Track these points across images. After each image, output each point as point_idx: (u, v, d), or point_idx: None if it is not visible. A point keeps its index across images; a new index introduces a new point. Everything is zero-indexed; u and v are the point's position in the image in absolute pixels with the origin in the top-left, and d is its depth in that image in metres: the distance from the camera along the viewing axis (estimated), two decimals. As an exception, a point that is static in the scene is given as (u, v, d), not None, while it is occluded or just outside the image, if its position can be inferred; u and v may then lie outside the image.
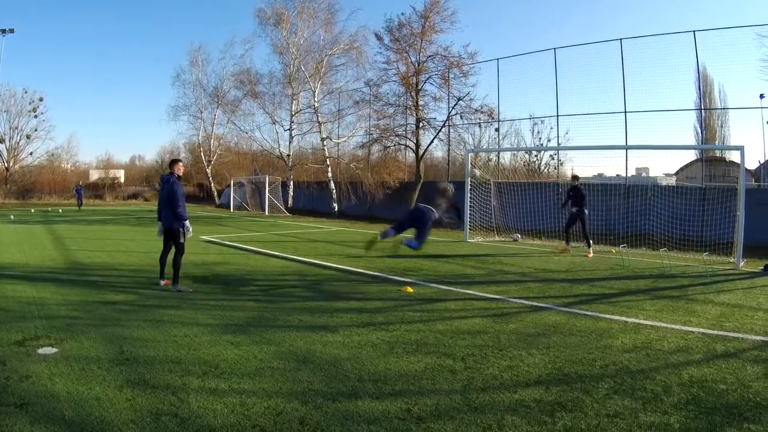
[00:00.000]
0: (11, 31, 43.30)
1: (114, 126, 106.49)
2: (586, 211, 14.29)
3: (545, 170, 25.96)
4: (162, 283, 8.39)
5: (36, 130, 51.09)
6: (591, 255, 13.65)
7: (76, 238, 16.30)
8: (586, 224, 14.32)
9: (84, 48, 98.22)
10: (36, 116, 50.78)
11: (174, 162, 8.76)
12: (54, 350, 4.98)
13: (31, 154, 51.92)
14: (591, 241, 14.16)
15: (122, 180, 62.26)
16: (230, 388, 4.18)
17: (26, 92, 50.11)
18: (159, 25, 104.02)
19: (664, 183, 23.16)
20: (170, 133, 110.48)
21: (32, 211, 32.24)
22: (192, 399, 3.92)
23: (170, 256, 8.43)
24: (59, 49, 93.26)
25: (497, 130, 27.08)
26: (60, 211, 32.64)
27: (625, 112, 21.09)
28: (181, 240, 8.35)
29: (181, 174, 8.61)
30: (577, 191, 14.31)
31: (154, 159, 70.03)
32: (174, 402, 3.86)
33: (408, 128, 27.77)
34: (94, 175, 59.64)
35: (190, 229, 8.45)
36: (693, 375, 4.63)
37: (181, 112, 45.55)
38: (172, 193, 8.20)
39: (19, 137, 50.33)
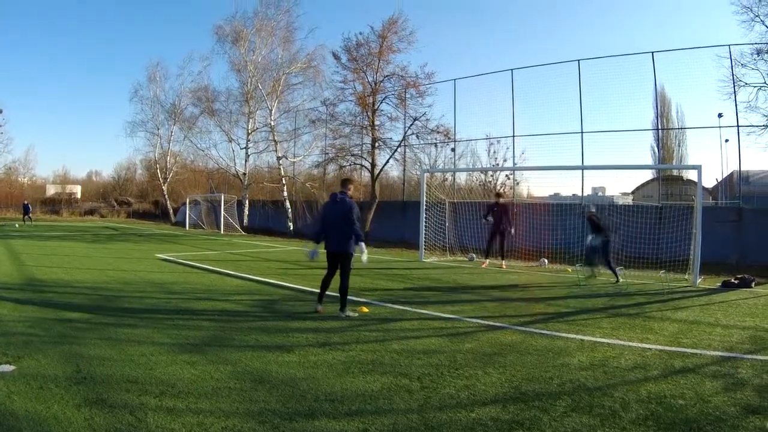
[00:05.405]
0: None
1: (71, 141, 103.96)
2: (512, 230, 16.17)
3: (501, 190, 26.13)
4: (318, 309, 8.05)
5: (-6, 143, 49.35)
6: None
7: (32, 253, 16.17)
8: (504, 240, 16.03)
9: (42, 59, 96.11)
10: (-6, 129, 49.03)
11: (348, 181, 8.34)
12: (11, 368, 4.89)
13: (-12, 167, 50.15)
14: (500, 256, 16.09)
15: (79, 196, 61.03)
16: (187, 407, 4.11)
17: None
18: (117, 39, 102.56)
19: (620, 202, 23.54)
20: (127, 149, 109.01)
21: (-12, 226, 31.51)
22: (150, 418, 3.85)
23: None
24: (17, 59, 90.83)
25: (453, 150, 27.13)
26: (17, 225, 32.35)
27: (582, 132, 21.39)
28: (351, 265, 7.99)
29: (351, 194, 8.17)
30: (500, 208, 15.93)
31: (110, 175, 69.00)
32: (132, 421, 3.79)
33: (364, 148, 27.71)
34: (51, 190, 58.66)
35: (366, 253, 8.08)
36: (651, 391, 4.62)
37: (138, 128, 44.96)
38: (350, 213, 7.76)
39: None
